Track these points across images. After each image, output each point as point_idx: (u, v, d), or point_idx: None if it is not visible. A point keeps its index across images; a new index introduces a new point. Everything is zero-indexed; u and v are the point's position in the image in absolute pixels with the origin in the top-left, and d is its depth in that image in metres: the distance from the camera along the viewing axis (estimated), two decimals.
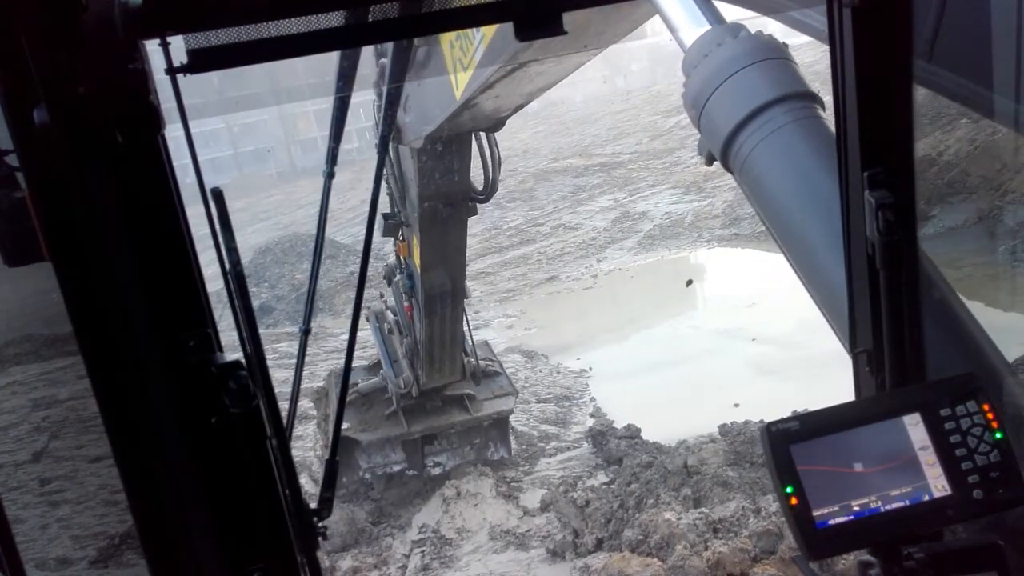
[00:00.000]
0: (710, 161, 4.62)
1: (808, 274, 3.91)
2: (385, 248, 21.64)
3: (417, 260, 8.86)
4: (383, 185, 8.37)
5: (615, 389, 13.77)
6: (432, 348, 9.83)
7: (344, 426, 9.87)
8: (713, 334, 15.26)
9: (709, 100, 4.22)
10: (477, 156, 7.87)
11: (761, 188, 4.09)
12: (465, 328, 10.26)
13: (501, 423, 11.21)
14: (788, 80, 3.99)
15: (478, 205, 8.49)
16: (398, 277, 9.85)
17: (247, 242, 27.76)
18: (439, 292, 9.11)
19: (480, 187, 8.15)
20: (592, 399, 13.70)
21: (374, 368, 11.10)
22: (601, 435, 11.45)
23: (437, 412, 10.73)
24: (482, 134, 7.46)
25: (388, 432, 10.47)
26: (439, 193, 8.00)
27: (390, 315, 10.78)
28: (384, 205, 8.92)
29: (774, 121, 3.91)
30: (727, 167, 4.33)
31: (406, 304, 9.82)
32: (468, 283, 10.11)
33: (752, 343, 14.32)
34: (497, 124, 7.00)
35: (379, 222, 8.58)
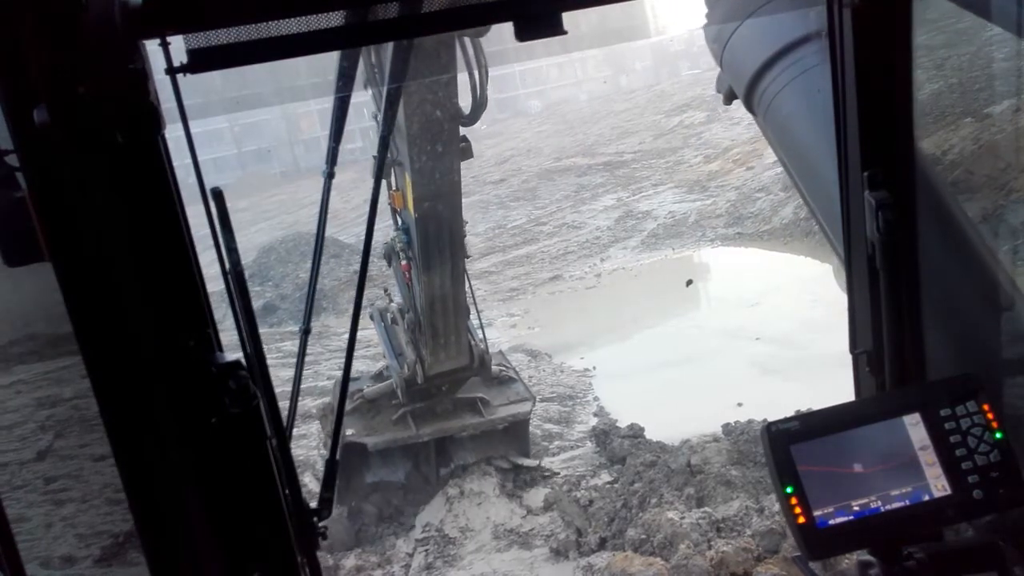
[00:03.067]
0: (729, 99, 4.28)
1: (835, 230, 3.70)
2: None
3: (410, 200, 8.30)
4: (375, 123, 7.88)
5: (618, 388, 13.75)
6: (434, 317, 9.20)
7: (348, 432, 9.60)
8: (716, 333, 15.22)
9: (734, 35, 3.95)
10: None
11: (787, 133, 3.82)
12: (472, 315, 9.78)
13: (518, 428, 10.69)
14: (822, 14, 3.73)
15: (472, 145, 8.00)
16: (394, 235, 9.21)
17: (251, 241, 27.78)
18: (436, 238, 8.49)
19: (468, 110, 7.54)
20: (595, 398, 13.69)
21: (380, 377, 10.62)
22: (604, 434, 11.44)
23: (448, 416, 10.20)
24: (467, 40, 6.92)
25: (396, 435, 9.95)
26: (425, 108, 7.39)
27: (394, 306, 10.38)
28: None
29: (805, 61, 3.62)
30: (750, 108, 4.06)
31: (403, 263, 9.20)
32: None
33: (756, 342, 14.28)
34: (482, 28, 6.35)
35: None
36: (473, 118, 7.57)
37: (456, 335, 9.52)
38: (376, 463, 10.36)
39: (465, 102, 7.54)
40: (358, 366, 14.65)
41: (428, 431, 10.03)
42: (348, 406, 9.66)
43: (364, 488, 10.36)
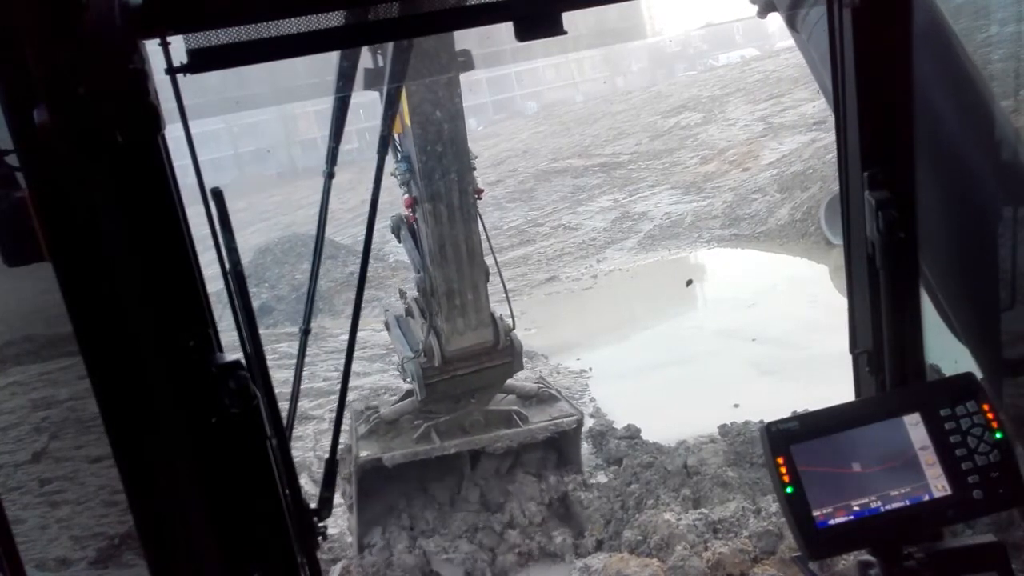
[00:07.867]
0: (765, 12, 3.92)
1: None
2: (385, 248, 21.66)
3: (406, 113, 7.60)
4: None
5: (615, 389, 13.73)
6: (446, 266, 8.20)
7: (364, 453, 8.66)
8: (713, 334, 15.23)
9: None
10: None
11: None
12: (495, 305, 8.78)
13: (567, 446, 9.61)
14: None
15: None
16: (395, 167, 8.29)
17: (247, 242, 27.72)
18: (438, 156, 7.75)
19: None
20: (592, 399, 13.66)
21: (398, 400, 9.55)
22: (601, 435, 11.41)
23: (478, 429, 8.94)
24: None
25: (416, 448, 8.67)
26: None
27: (409, 297, 9.41)
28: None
29: None
30: (791, 25, 3.72)
31: (406, 197, 8.32)
32: None
33: (752, 343, 14.29)
34: None
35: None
36: None
37: (474, 294, 8.49)
38: (393, 488, 9.21)
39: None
40: (356, 367, 14.61)
41: (455, 443, 8.78)
42: (363, 429, 9.08)
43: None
